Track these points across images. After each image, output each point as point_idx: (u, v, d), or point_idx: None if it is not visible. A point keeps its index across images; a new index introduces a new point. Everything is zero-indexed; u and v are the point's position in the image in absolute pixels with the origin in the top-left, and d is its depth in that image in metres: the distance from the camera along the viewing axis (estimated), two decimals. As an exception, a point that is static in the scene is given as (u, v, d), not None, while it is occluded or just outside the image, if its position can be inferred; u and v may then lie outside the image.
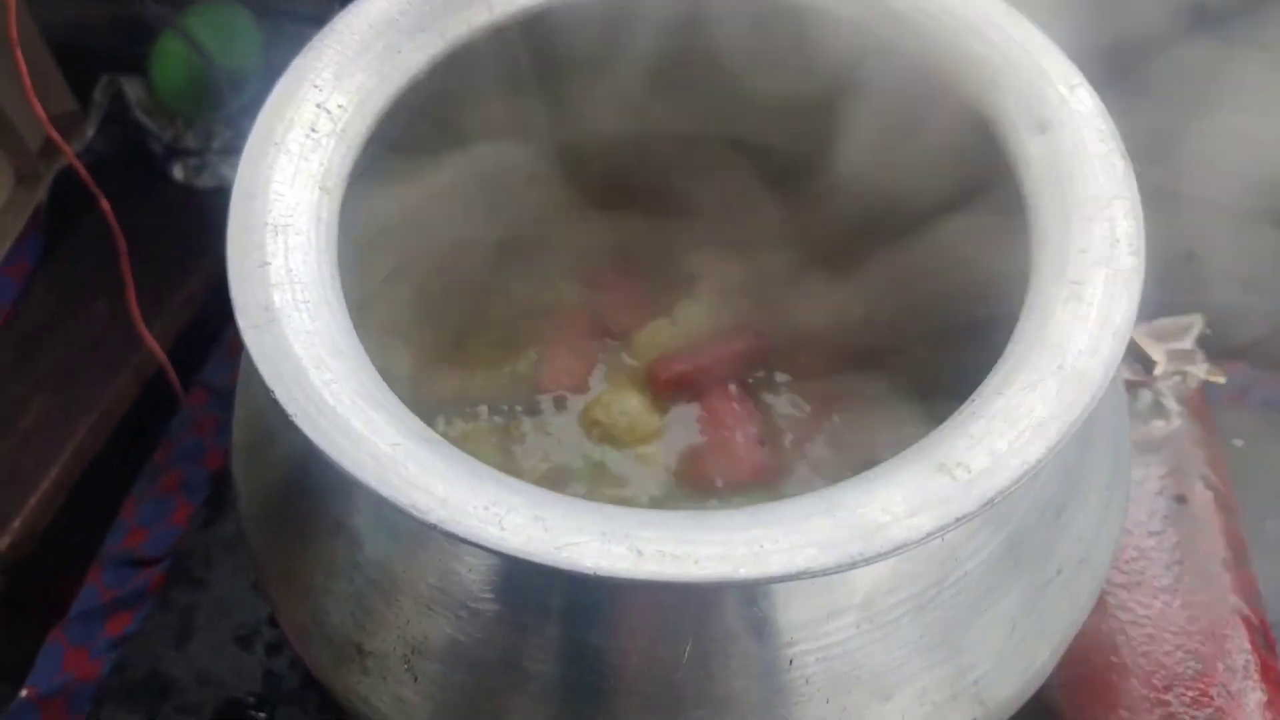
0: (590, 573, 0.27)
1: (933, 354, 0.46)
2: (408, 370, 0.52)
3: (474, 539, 0.28)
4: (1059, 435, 0.30)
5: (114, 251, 0.79)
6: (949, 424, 0.31)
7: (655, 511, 0.29)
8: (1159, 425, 0.61)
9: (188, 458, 0.80)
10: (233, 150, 0.91)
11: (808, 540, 0.28)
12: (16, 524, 0.76)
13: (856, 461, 0.48)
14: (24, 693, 0.71)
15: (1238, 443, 0.72)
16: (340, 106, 0.39)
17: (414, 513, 0.29)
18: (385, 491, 0.29)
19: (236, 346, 0.85)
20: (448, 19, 0.42)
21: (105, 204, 0.77)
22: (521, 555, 0.28)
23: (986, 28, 0.41)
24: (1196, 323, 0.61)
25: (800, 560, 0.27)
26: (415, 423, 0.32)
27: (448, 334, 0.52)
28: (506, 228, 0.54)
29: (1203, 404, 0.64)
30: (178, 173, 0.91)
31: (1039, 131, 0.38)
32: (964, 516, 0.29)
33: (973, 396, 0.32)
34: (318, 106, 0.39)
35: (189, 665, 0.68)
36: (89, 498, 0.81)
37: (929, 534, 0.28)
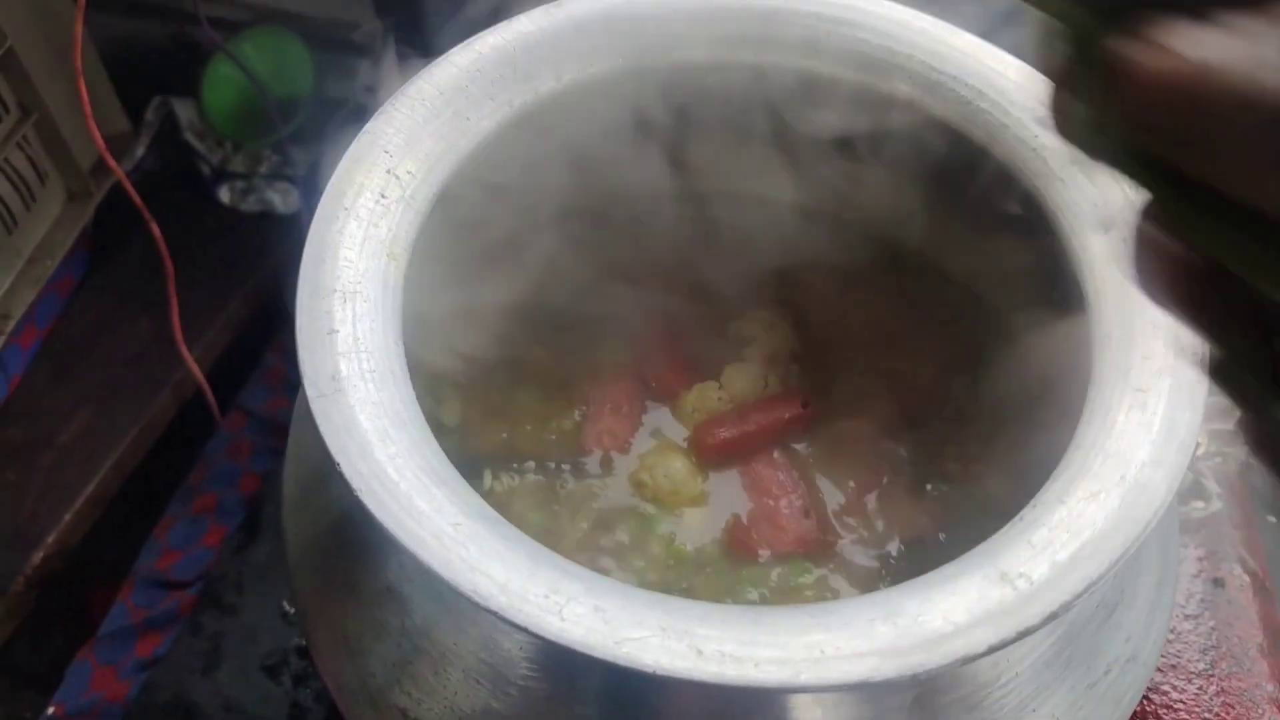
0: (650, 671, 0.27)
1: (981, 432, 0.46)
2: (456, 420, 0.52)
3: (535, 629, 0.28)
4: (1122, 549, 0.30)
5: (158, 270, 0.80)
6: (1010, 530, 0.31)
7: (715, 606, 0.29)
8: (1198, 506, 0.60)
9: (223, 481, 0.81)
10: (280, 176, 0.92)
11: (870, 648, 0.28)
12: (51, 539, 0.76)
13: (902, 537, 0.49)
14: (51, 710, 0.71)
15: (1271, 519, 0.72)
16: (410, 173, 0.40)
17: (475, 599, 0.29)
18: (447, 575, 0.30)
19: (275, 372, 0.86)
20: (516, 88, 0.43)
21: (155, 226, 0.78)
22: (582, 649, 0.28)
23: (1052, 119, 0.41)
24: (1238, 404, 0.61)
25: (862, 669, 0.27)
26: (475, 500, 0.32)
27: (496, 387, 0.52)
28: (557, 287, 0.55)
29: (1242, 486, 0.63)
30: (224, 195, 0.92)
31: (1102, 230, 0.38)
32: (1025, 630, 0.29)
33: (1033, 502, 0.32)
34: (388, 172, 0.40)
35: (215, 692, 0.68)
36: (124, 515, 0.82)
37: (991, 647, 0.28)
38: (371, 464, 0.32)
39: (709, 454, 0.50)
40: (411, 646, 0.36)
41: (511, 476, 0.50)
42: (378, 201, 0.38)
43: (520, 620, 0.29)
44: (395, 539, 0.30)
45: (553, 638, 0.28)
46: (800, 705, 0.32)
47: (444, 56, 0.42)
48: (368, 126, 0.40)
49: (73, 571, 0.78)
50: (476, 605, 0.29)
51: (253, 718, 0.67)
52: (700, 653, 0.28)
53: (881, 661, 0.28)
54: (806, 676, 0.27)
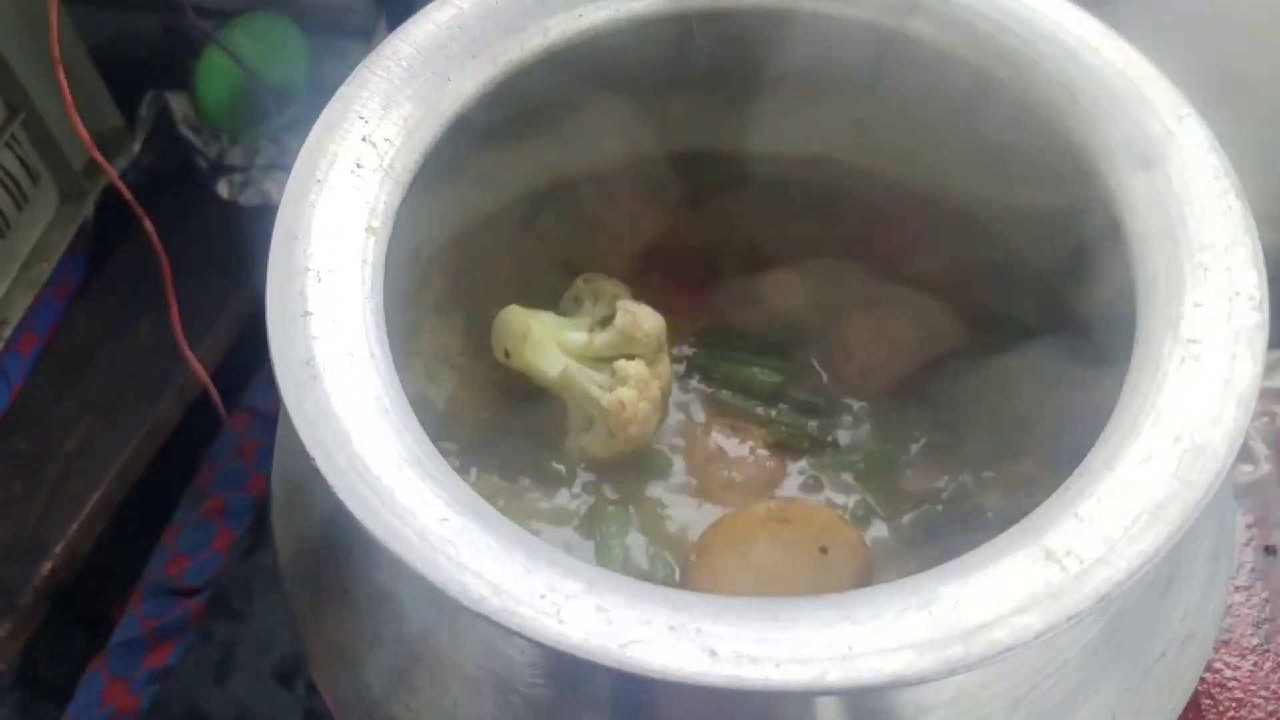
0: (657, 676, 0.25)
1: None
2: (445, 401, 0.49)
3: (530, 634, 0.26)
4: (1180, 520, 0.27)
5: (158, 269, 0.78)
6: (1054, 502, 0.28)
7: (729, 601, 0.26)
8: (1246, 470, 0.56)
9: (230, 483, 0.79)
10: (278, 167, 0.90)
11: (902, 641, 0.25)
12: (59, 549, 0.74)
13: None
14: (63, 724, 0.69)
15: (1325, 481, 0.68)
16: (387, 140, 0.37)
17: (464, 601, 0.26)
18: (433, 576, 0.27)
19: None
20: (500, 44, 0.40)
21: (149, 225, 0.76)
22: (582, 655, 0.25)
23: (1083, 51, 0.38)
24: (1282, 360, 0.57)
25: (894, 665, 0.25)
26: (465, 491, 0.30)
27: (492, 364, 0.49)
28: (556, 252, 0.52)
29: (1292, 446, 0.60)
30: (222, 189, 0.89)
31: (1144, 168, 0.35)
32: (1076, 615, 0.26)
33: (1078, 470, 0.29)
34: (363, 140, 0.37)
35: (228, 702, 0.66)
36: (133, 521, 0.80)
37: (1039, 634, 0.25)
38: (350, 457, 0.29)
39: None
40: (408, 654, 0.33)
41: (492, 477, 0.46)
42: (353, 171, 0.36)
43: (514, 625, 0.26)
44: (376, 538, 0.28)
45: (550, 643, 0.25)
46: (826, 706, 0.29)
47: (421, 13, 0.39)
48: (340, 91, 0.37)
49: (83, 581, 0.76)
50: (466, 609, 0.26)
51: (267, 728, 0.65)
52: (714, 653, 0.25)
53: (916, 656, 0.25)
54: (834, 677, 0.24)
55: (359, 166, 0.36)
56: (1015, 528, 0.28)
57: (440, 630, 0.33)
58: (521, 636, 0.26)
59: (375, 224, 0.35)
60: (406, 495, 0.29)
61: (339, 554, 0.36)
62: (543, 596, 0.26)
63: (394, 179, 0.37)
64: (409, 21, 0.39)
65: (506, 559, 0.27)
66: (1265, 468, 0.59)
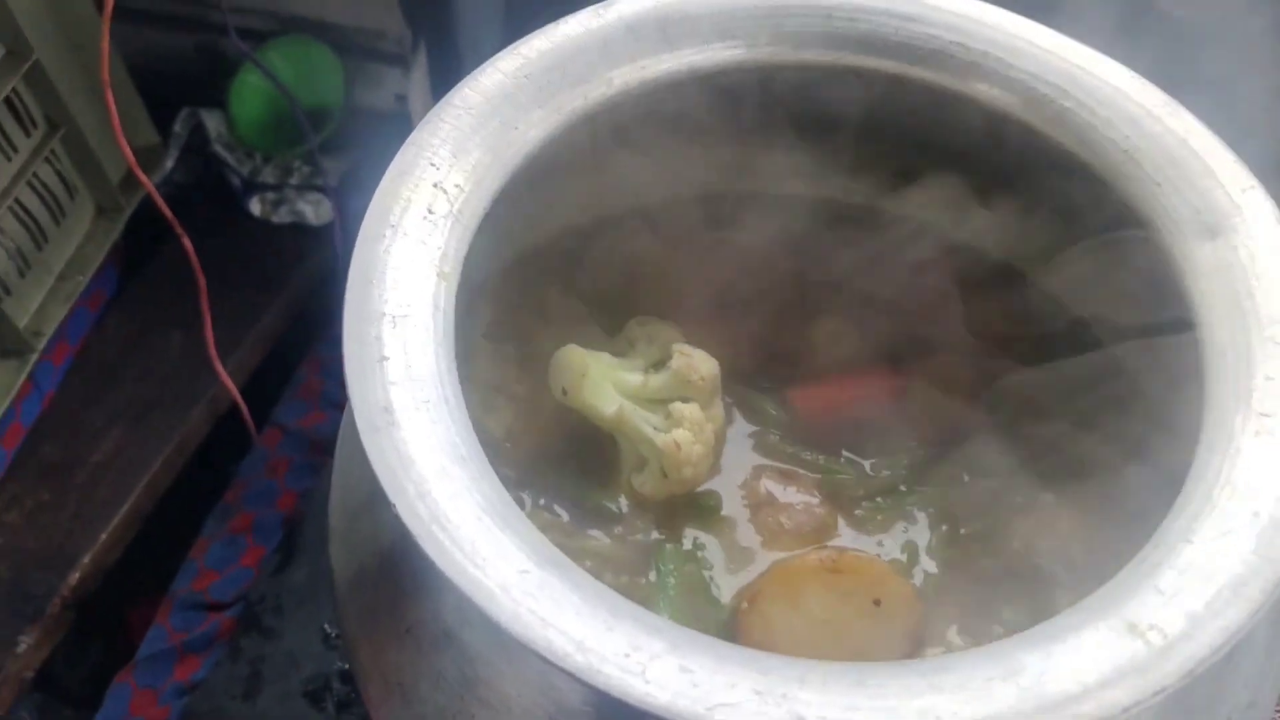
0: (747, 741, 0.25)
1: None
2: (504, 432, 0.50)
3: (616, 693, 0.26)
4: (1262, 597, 0.27)
5: (189, 285, 0.79)
6: (1132, 573, 0.28)
7: (814, 664, 0.27)
8: None
9: (260, 500, 0.79)
10: (310, 186, 0.90)
11: (989, 712, 0.25)
12: (86, 560, 0.75)
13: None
14: (90, 735, 0.70)
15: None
16: (458, 186, 0.37)
17: (550, 658, 0.27)
18: (517, 630, 0.27)
19: (311, 386, 0.83)
20: (565, 93, 0.41)
21: (186, 240, 0.76)
22: (670, 717, 0.25)
23: (1146, 120, 0.38)
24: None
25: (981, 737, 0.25)
26: (543, 542, 0.30)
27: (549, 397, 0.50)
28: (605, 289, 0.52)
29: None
30: (255, 207, 0.90)
31: (1208, 238, 0.35)
32: (1162, 690, 0.26)
33: (1154, 540, 0.29)
34: (435, 186, 0.37)
35: (257, 718, 0.66)
36: (160, 533, 0.80)
37: (1125, 709, 0.25)
38: (430, 505, 0.29)
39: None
40: (475, 700, 0.34)
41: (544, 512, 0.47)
42: (425, 217, 0.36)
43: (600, 683, 0.26)
44: (459, 589, 0.28)
45: (636, 703, 0.26)
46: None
47: (489, 62, 0.40)
48: (412, 137, 0.38)
49: (109, 591, 0.76)
50: (551, 665, 0.27)
51: (295, 746, 0.65)
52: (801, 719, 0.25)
53: (1004, 728, 0.25)
54: (921, 746, 0.25)
55: (430, 212, 0.37)
56: (1094, 596, 0.28)
57: (506, 674, 0.33)
58: (608, 695, 0.26)
59: (447, 269, 0.36)
60: (487, 546, 0.29)
61: (400, 591, 0.37)
62: (627, 655, 0.27)
63: (464, 225, 0.37)
64: (477, 71, 0.40)
65: (590, 615, 0.27)
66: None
